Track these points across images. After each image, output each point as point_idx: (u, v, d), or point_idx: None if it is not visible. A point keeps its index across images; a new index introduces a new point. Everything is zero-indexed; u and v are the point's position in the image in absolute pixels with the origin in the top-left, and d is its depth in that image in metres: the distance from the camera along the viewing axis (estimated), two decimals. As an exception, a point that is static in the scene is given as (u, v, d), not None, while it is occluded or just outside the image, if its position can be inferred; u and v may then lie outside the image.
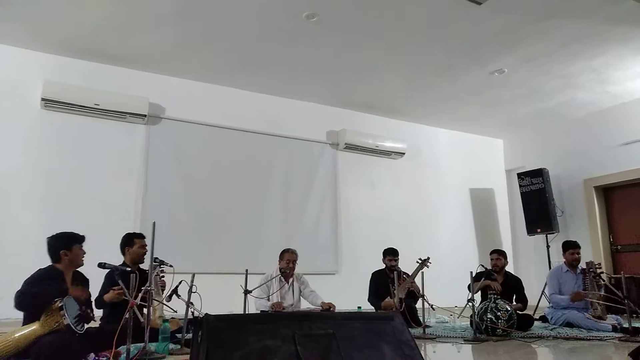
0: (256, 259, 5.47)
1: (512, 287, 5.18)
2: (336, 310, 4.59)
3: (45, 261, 3.25)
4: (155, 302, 3.56)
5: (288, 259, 4.89)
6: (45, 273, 3.11)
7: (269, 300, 4.74)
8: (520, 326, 4.47)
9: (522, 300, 5.15)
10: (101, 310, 3.68)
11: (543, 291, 6.16)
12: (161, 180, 5.86)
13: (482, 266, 5.28)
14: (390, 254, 5.47)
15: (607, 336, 4.27)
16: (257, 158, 6.51)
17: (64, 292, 2.97)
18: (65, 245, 3.21)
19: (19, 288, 2.93)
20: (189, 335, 3.26)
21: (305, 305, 5.06)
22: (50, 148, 5.39)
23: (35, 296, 2.87)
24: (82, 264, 3.33)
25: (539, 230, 7.38)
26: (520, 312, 4.78)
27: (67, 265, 3.21)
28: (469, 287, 4.57)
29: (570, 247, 5.28)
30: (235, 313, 3.76)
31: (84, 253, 3.32)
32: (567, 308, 5.01)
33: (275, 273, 4.91)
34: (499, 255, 5.36)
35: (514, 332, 4.32)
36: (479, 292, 5.03)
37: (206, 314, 2.17)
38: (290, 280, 4.93)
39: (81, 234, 3.33)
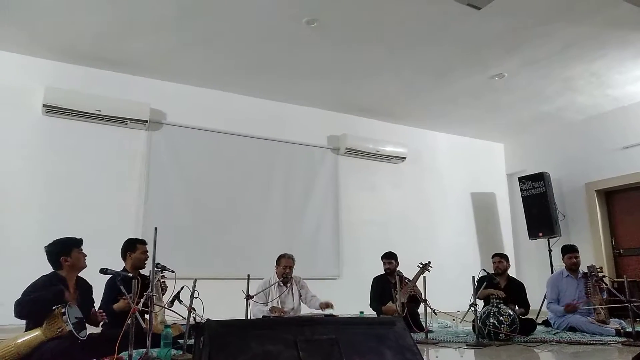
0: (258, 264, 5.46)
1: (515, 291, 5.17)
2: (338, 316, 4.58)
3: (46, 267, 3.25)
4: (157, 308, 3.56)
5: (285, 264, 4.89)
6: (48, 280, 3.10)
7: (266, 306, 4.73)
8: (523, 331, 4.46)
9: (524, 305, 5.14)
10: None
11: (545, 297, 6.14)
12: (163, 186, 5.86)
13: (484, 270, 5.27)
14: (386, 257, 5.49)
15: (610, 340, 4.25)
16: (258, 163, 6.52)
17: (61, 294, 2.96)
18: (64, 251, 3.21)
19: (19, 297, 2.93)
20: (191, 341, 3.26)
21: (306, 309, 5.05)
22: (52, 154, 5.39)
23: (32, 303, 2.87)
24: (85, 266, 3.33)
25: (540, 234, 7.36)
26: (523, 317, 4.77)
27: (69, 270, 3.22)
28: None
29: (569, 252, 5.27)
30: (237, 318, 3.76)
31: (85, 255, 3.32)
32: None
33: (273, 279, 4.89)
34: (500, 258, 5.39)
35: (516, 336, 4.31)
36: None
37: (208, 319, 2.17)
38: (289, 284, 4.92)
39: (78, 237, 3.33)
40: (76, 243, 3.28)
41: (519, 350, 3.87)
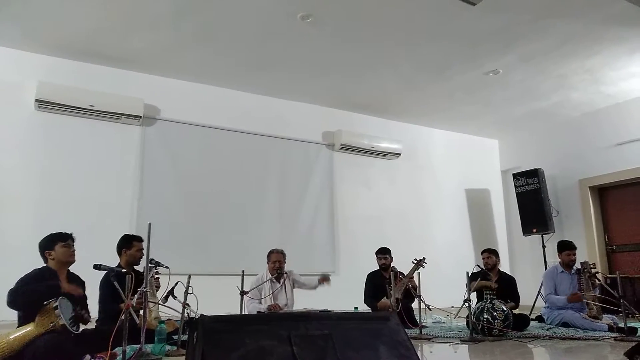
0: (252, 260, 5.45)
1: (506, 286, 5.21)
2: (333, 311, 4.59)
3: (39, 263, 3.25)
4: (151, 304, 3.55)
5: (274, 259, 4.90)
6: (40, 273, 3.12)
7: (260, 302, 4.73)
8: (516, 326, 4.49)
9: (515, 298, 5.18)
10: (97, 312, 3.66)
11: (539, 291, 6.17)
12: (157, 182, 5.83)
13: (478, 266, 5.30)
14: (380, 252, 5.49)
15: (603, 336, 4.28)
16: (253, 159, 6.50)
17: (56, 288, 2.96)
18: (48, 246, 3.23)
19: (12, 286, 2.93)
20: (185, 337, 3.25)
21: (299, 304, 5.05)
22: (44, 150, 5.35)
23: (27, 294, 2.86)
24: (73, 261, 3.30)
25: (534, 230, 7.40)
26: (515, 312, 4.79)
27: (55, 264, 3.22)
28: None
29: (567, 249, 5.29)
30: (232, 314, 3.76)
31: (72, 250, 3.29)
32: (563, 308, 5.03)
33: (266, 275, 4.89)
34: (489, 253, 5.42)
35: (510, 332, 4.33)
36: (475, 293, 5.04)
37: (202, 314, 2.16)
38: (282, 280, 4.92)
39: (67, 232, 3.31)
40: (61, 237, 3.27)
41: (512, 346, 3.88)
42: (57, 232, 3.30)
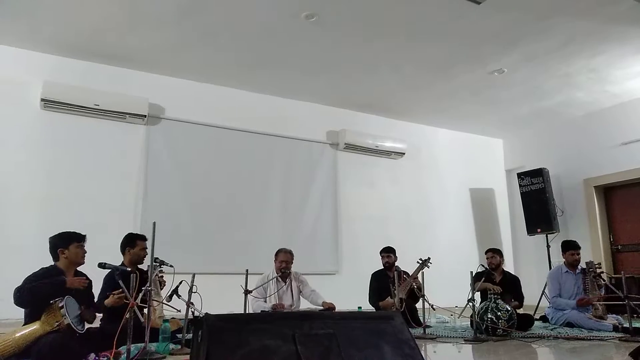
0: (256, 259, 5.46)
1: (510, 285, 5.20)
2: (336, 310, 4.58)
3: (45, 262, 3.26)
4: (155, 303, 3.56)
5: (282, 259, 4.88)
6: (47, 272, 3.12)
7: (266, 301, 4.73)
8: (520, 326, 4.47)
9: (519, 298, 5.17)
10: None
11: (543, 291, 6.16)
12: (161, 181, 5.85)
13: (482, 266, 5.29)
14: (384, 251, 5.49)
15: (607, 336, 4.27)
16: (257, 158, 6.51)
17: (61, 283, 2.97)
18: (63, 244, 3.23)
19: (19, 285, 2.94)
20: (190, 335, 3.26)
21: (305, 305, 5.05)
22: (50, 149, 5.38)
23: (32, 291, 2.87)
24: (82, 263, 3.33)
25: (539, 230, 7.37)
26: (519, 312, 4.78)
27: (66, 264, 3.23)
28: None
29: (571, 248, 5.27)
30: (236, 313, 3.76)
31: (84, 252, 3.32)
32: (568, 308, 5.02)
33: (272, 274, 4.89)
34: (493, 253, 5.40)
35: (514, 332, 4.32)
36: (479, 292, 5.03)
37: (206, 313, 2.17)
38: (288, 280, 4.92)
39: (82, 233, 3.33)
40: (76, 238, 3.28)
41: (516, 346, 3.88)
42: (73, 231, 3.31)
